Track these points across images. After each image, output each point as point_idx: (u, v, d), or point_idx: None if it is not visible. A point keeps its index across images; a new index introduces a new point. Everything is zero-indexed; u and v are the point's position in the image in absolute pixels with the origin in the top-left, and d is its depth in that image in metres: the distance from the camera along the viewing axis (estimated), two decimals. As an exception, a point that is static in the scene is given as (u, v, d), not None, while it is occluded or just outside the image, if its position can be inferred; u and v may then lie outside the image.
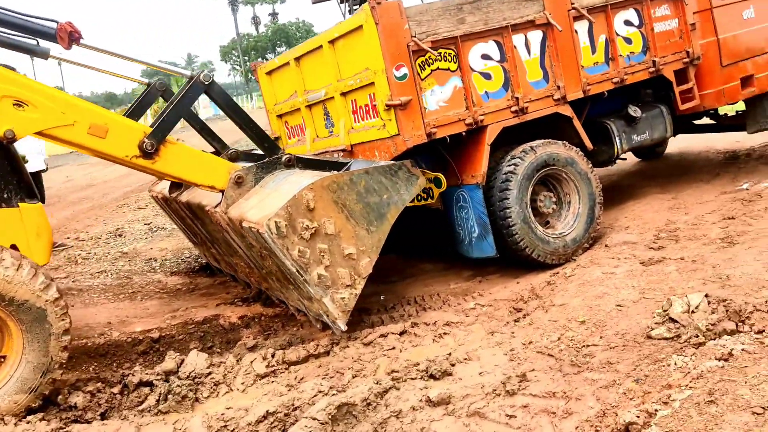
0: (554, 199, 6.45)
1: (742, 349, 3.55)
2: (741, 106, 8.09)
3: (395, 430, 3.65)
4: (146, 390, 4.67)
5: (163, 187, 6.93)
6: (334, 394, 4.04)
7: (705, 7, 7.28)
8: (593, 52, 6.64)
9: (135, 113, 6.23)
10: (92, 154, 5.14)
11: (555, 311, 4.89)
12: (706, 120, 8.55)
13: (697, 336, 3.82)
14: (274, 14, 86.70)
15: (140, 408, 4.52)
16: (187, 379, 4.70)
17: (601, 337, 4.21)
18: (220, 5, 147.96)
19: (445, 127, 5.85)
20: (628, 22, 6.86)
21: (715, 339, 3.76)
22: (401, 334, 5.14)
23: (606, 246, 6.15)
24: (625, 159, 8.97)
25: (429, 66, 5.81)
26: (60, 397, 4.63)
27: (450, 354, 4.49)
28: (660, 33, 6.97)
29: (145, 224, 11.01)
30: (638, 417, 3.17)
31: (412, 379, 4.16)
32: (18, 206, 4.81)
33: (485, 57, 6.08)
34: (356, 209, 4.92)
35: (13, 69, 4.84)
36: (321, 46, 6.42)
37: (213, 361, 4.95)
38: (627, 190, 8.32)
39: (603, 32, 6.68)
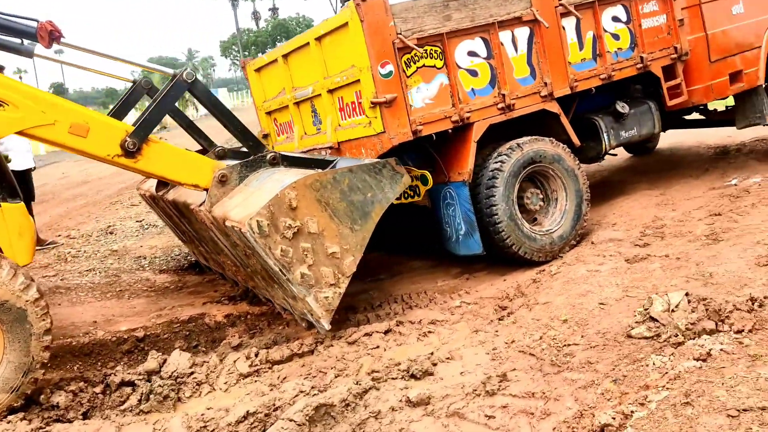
0: (541, 196, 6.43)
1: (721, 349, 3.54)
2: (731, 101, 8.07)
3: (374, 431, 3.65)
4: (128, 390, 4.66)
5: (151, 185, 6.92)
6: (315, 394, 4.03)
7: (694, 2, 7.25)
8: (581, 48, 6.61)
9: (121, 111, 6.25)
10: (76, 153, 5.13)
11: (539, 309, 4.88)
12: (696, 115, 8.53)
13: (677, 335, 3.81)
14: (274, 9, 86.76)
15: (122, 408, 4.51)
16: (169, 378, 4.69)
17: (582, 336, 4.20)
18: (221, 1, 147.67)
19: (431, 124, 5.83)
20: (615, 18, 6.83)
21: (694, 338, 3.75)
22: (386, 332, 5.13)
23: (592, 243, 6.14)
24: (616, 155, 8.97)
25: (415, 63, 5.79)
26: (42, 396, 4.62)
27: (432, 353, 4.48)
28: (648, 29, 6.94)
29: (136, 221, 10.98)
30: (614, 419, 3.17)
31: (392, 379, 4.14)
32: (0, 206, 4.80)
33: (472, 54, 6.06)
34: (340, 208, 4.90)
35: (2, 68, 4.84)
36: (308, 44, 6.39)
37: (196, 361, 4.94)
38: (617, 186, 8.31)
39: (590, 28, 6.66)
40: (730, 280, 4.49)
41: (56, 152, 26.28)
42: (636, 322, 4.08)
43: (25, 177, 9.39)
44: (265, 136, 8.01)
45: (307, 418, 3.62)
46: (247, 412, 3.89)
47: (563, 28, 6.46)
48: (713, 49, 7.30)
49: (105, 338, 5.64)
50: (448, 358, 4.41)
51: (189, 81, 5.29)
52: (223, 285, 7.05)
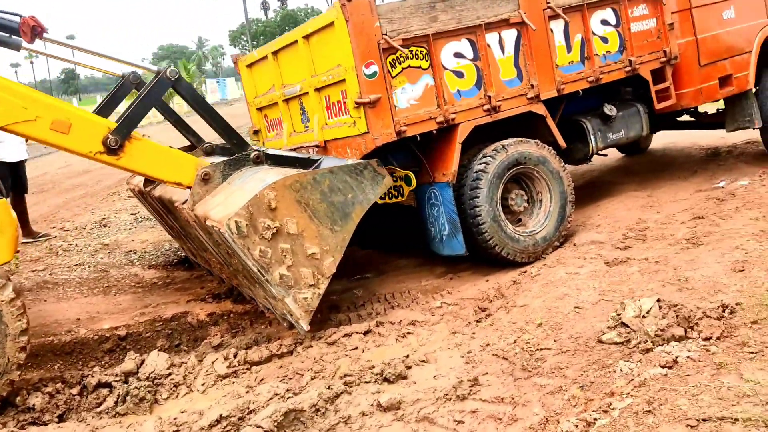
0: (526, 198, 6.44)
1: (688, 357, 3.57)
2: (722, 104, 8.07)
3: (343, 436, 3.68)
4: (105, 391, 4.65)
5: (140, 180, 6.93)
6: (289, 397, 4.05)
7: (684, 7, 7.24)
8: (568, 51, 6.60)
9: (108, 106, 6.26)
10: (59, 149, 5.15)
11: (516, 312, 4.90)
12: (687, 118, 8.53)
13: (646, 341, 3.83)
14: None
15: (98, 410, 4.50)
16: (146, 380, 4.67)
17: (555, 341, 4.22)
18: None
19: (415, 125, 5.84)
20: (605, 22, 6.82)
21: (662, 345, 3.77)
22: (366, 333, 5.14)
23: (574, 245, 6.15)
24: (606, 155, 8.97)
25: (400, 64, 5.79)
26: (18, 398, 4.59)
27: (408, 356, 4.48)
28: (637, 32, 6.93)
29: (131, 214, 11.01)
30: (576, 426, 3.19)
31: (365, 382, 4.15)
32: (-20, 203, 4.81)
33: (458, 55, 6.06)
34: (320, 209, 4.91)
35: None
36: (296, 41, 6.41)
37: (174, 362, 4.93)
38: (605, 187, 8.31)
39: (579, 31, 6.65)
40: (705, 285, 4.51)
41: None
42: (608, 327, 4.11)
43: (17, 169, 9.41)
44: (256, 132, 8.03)
45: (276, 424, 3.64)
46: (221, 416, 3.91)
47: (551, 30, 6.46)
48: (703, 53, 7.30)
49: (87, 336, 5.66)
50: (423, 361, 4.42)
51: (172, 78, 5.30)
52: (211, 282, 7.07)
